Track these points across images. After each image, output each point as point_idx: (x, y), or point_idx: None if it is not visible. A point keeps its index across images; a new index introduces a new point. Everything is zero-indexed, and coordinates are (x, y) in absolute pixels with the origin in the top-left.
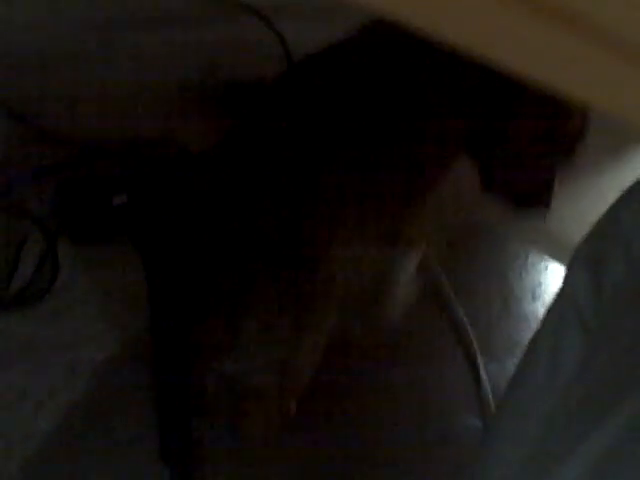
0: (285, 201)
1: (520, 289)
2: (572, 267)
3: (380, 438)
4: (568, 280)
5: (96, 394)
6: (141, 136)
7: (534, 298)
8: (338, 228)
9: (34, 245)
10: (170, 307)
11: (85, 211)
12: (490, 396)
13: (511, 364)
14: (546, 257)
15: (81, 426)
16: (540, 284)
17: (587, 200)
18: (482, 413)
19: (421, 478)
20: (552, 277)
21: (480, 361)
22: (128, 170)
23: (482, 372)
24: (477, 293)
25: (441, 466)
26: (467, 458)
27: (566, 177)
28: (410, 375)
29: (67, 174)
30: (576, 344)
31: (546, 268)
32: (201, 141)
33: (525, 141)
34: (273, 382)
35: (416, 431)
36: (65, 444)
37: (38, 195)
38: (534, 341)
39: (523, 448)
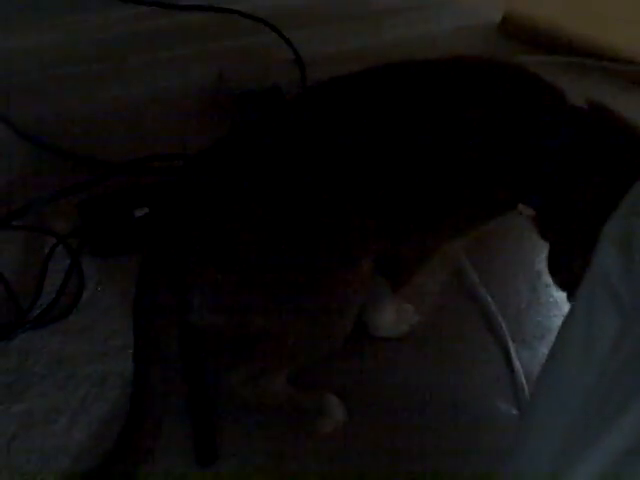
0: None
1: (547, 276)
2: (601, 245)
3: (413, 425)
4: (598, 258)
5: (128, 404)
6: (157, 149)
7: None
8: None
9: (59, 262)
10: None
11: (108, 226)
12: (523, 382)
13: (543, 350)
14: None
15: (115, 436)
16: None
17: None
18: (516, 399)
19: (455, 464)
20: None
21: (512, 348)
22: (147, 183)
23: (514, 359)
24: (505, 281)
25: (475, 452)
26: (502, 444)
27: None
28: (443, 364)
29: (87, 191)
30: (610, 319)
31: None
32: None
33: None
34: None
35: (449, 418)
36: (100, 455)
37: (60, 214)
38: (567, 320)
39: (563, 422)
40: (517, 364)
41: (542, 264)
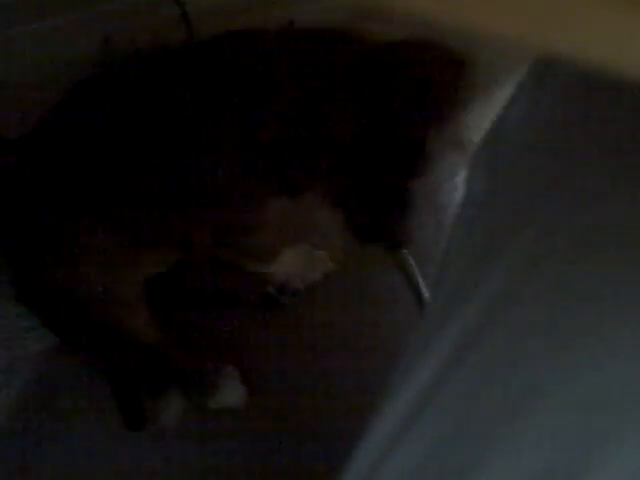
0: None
1: (454, 207)
2: (471, 170)
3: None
4: (468, 185)
5: (43, 381)
6: None
7: None
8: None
9: None
10: None
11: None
12: None
13: None
14: None
15: (32, 410)
16: None
17: None
18: None
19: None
20: None
21: (422, 285)
22: None
23: (423, 292)
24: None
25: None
26: None
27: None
28: (356, 308)
29: None
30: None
31: None
32: None
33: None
34: None
35: (372, 372)
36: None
37: None
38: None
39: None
40: (426, 297)
41: (445, 198)
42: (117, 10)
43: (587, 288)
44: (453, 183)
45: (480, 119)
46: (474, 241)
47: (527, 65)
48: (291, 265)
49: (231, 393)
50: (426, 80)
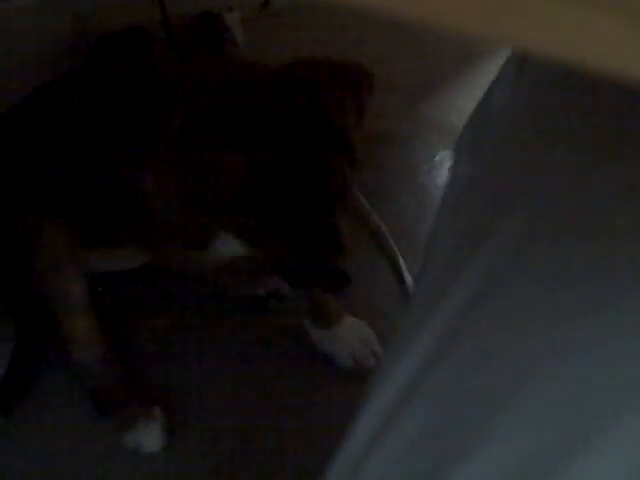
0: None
1: (433, 187)
2: (456, 154)
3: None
4: (454, 169)
5: None
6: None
7: None
8: None
9: None
10: None
11: None
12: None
13: None
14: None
15: None
16: None
17: (482, 88)
18: None
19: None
20: None
21: (402, 263)
22: None
23: (405, 274)
24: (390, 199)
25: None
26: None
27: (460, 66)
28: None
29: None
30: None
31: None
32: None
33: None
34: None
35: None
36: None
37: None
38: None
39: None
40: (408, 278)
41: (425, 177)
42: None
43: (577, 269)
44: (432, 163)
45: (460, 101)
46: (461, 223)
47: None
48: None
49: (147, 436)
50: (322, 108)
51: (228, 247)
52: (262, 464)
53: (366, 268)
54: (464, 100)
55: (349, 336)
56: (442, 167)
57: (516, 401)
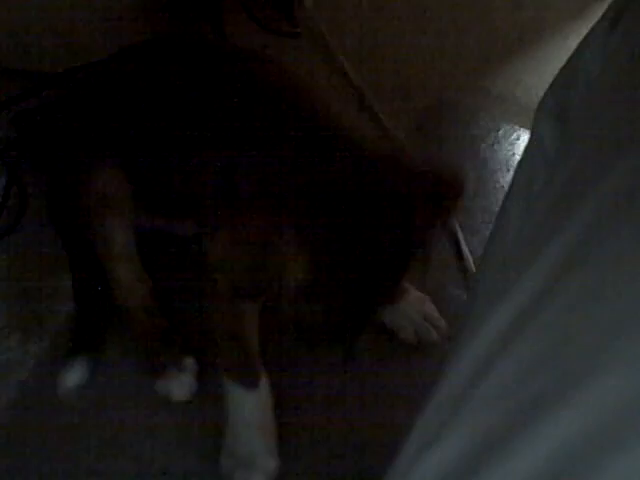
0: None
1: (494, 162)
2: (538, 118)
3: None
4: (535, 130)
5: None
6: (91, 57)
7: (508, 169)
8: None
9: None
10: None
11: (43, 138)
12: (472, 267)
13: None
14: (517, 127)
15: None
16: (513, 154)
17: (551, 65)
18: (466, 284)
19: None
20: (524, 147)
21: (460, 235)
22: None
23: (463, 245)
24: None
25: None
26: (453, 325)
27: (530, 42)
28: None
29: (20, 105)
30: (544, 194)
31: (518, 138)
32: None
33: None
34: None
35: None
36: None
37: None
38: (507, 194)
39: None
40: (466, 250)
41: (487, 151)
42: None
43: None
44: (495, 137)
45: (526, 76)
46: (556, 185)
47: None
48: None
49: (176, 385)
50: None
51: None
52: (298, 415)
53: None
54: (530, 76)
55: (412, 311)
56: (504, 141)
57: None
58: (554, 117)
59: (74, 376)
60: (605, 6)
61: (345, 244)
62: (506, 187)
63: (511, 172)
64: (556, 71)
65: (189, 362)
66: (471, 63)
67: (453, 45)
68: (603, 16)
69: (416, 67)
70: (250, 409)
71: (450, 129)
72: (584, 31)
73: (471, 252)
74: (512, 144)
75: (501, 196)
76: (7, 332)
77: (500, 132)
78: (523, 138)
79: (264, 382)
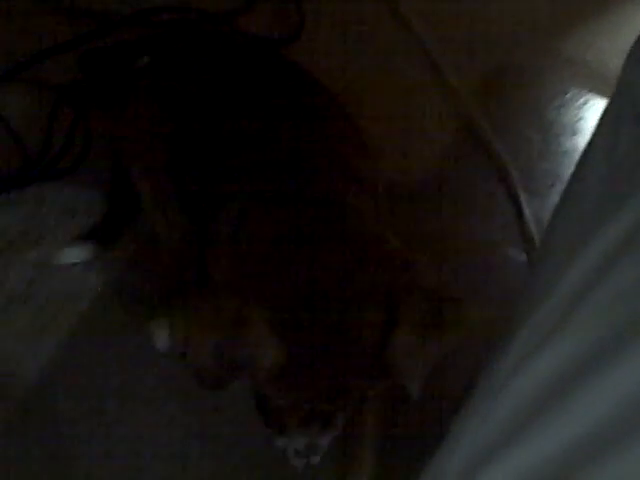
0: None
1: (559, 125)
2: (628, 64)
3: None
4: (624, 77)
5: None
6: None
7: (574, 133)
8: None
9: (64, 116)
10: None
11: (109, 77)
12: (533, 230)
13: (552, 198)
14: (585, 91)
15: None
16: (580, 119)
17: (625, 30)
18: (525, 246)
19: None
20: (592, 111)
21: (522, 197)
22: (147, 35)
23: (524, 207)
24: (516, 131)
25: (486, 290)
26: (511, 288)
27: (604, 6)
28: (456, 212)
29: (87, 45)
30: (633, 137)
31: (585, 102)
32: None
33: None
34: None
35: (463, 262)
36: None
37: (60, 68)
38: (590, 143)
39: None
40: (527, 212)
41: (553, 113)
42: None
43: None
44: (562, 100)
45: (597, 40)
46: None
47: None
48: None
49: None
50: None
51: None
52: None
53: (484, 199)
54: (603, 39)
55: None
56: (571, 105)
57: None
58: None
59: (73, 253)
60: None
61: (320, 336)
62: (570, 152)
63: (576, 137)
64: (630, 36)
65: None
66: (542, 23)
67: (525, 4)
68: None
69: (486, 24)
70: None
71: (516, 90)
72: None
73: (532, 214)
74: (579, 108)
75: (565, 161)
76: (69, 265)
77: (568, 95)
78: (591, 103)
79: None
